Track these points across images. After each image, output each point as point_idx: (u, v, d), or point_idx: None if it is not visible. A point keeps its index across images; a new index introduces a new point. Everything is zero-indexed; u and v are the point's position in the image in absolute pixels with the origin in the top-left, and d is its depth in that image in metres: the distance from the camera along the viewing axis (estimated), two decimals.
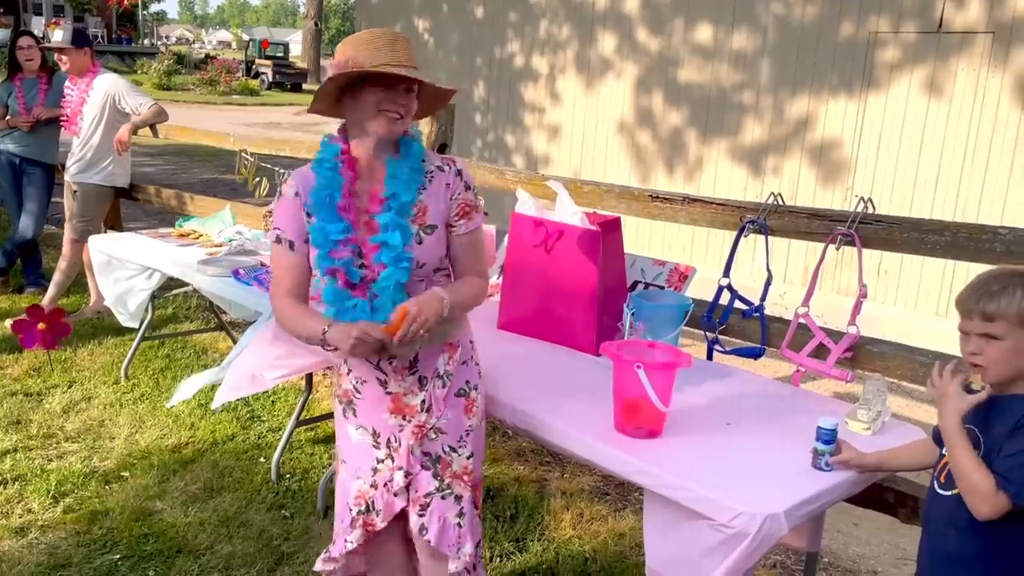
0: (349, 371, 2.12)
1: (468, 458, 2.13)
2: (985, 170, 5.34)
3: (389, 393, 2.08)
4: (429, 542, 2.12)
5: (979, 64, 5.30)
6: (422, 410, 2.07)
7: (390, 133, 1.94)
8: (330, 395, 4.27)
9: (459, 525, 2.13)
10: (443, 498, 2.11)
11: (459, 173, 2.03)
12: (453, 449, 2.11)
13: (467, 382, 2.14)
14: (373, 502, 2.13)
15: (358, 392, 2.12)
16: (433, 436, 2.10)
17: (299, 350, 2.96)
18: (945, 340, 2.30)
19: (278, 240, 2.04)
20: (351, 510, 2.15)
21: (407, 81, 1.91)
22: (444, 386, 2.09)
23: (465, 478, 2.13)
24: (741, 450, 2.03)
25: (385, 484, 2.11)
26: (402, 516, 2.16)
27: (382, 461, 2.12)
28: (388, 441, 2.11)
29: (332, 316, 1.95)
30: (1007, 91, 5.21)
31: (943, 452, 1.74)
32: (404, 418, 2.09)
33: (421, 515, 2.11)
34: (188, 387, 3.31)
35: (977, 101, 5.34)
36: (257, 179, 4.72)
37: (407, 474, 2.10)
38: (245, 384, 3.06)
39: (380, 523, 2.13)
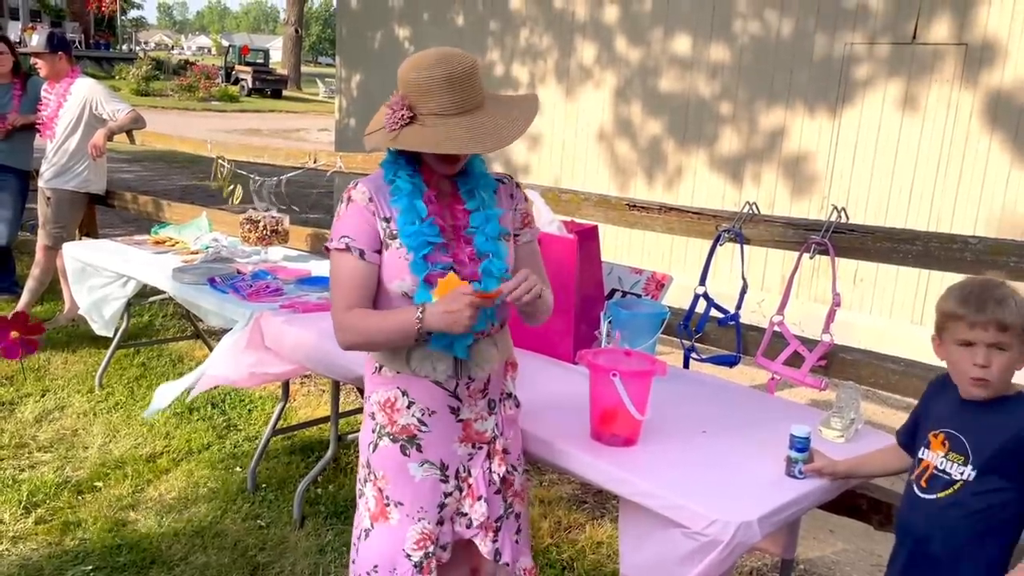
0: (411, 404, 1.93)
1: (523, 473, 2.13)
2: (958, 181, 5.42)
3: (461, 421, 1.95)
4: (507, 565, 2.05)
5: (952, 76, 5.38)
6: (499, 434, 2.01)
7: (450, 173, 1.90)
8: (307, 404, 4.25)
9: (517, 541, 2.08)
10: (507, 518, 2.04)
11: (517, 185, 2.07)
12: (515, 468, 2.07)
13: (517, 396, 2.13)
14: (438, 539, 1.97)
15: (424, 425, 1.94)
16: (501, 458, 2.04)
17: (270, 358, 2.95)
18: (920, 348, 2.33)
19: (347, 248, 1.86)
20: (410, 557, 1.94)
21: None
22: (517, 406, 2.08)
23: (522, 494, 2.10)
24: (716, 458, 2.05)
25: (451, 518, 1.99)
26: (466, 544, 2.06)
27: (449, 495, 1.97)
28: (457, 472, 1.97)
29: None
30: (979, 102, 5.29)
31: (920, 457, 1.75)
32: (474, 446, 1.98)
33: (495, 541, 2.01)
34: (163, 396, 3.27)
35: (950, 112, 5.41)
36: (231, 186, 4.70)
37: (487, 501, 1.99)
38: (214, 381, 3.07)
39: (446, 556, 2.00)
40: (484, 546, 2.00)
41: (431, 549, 1.95)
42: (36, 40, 4.93)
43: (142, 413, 3.85)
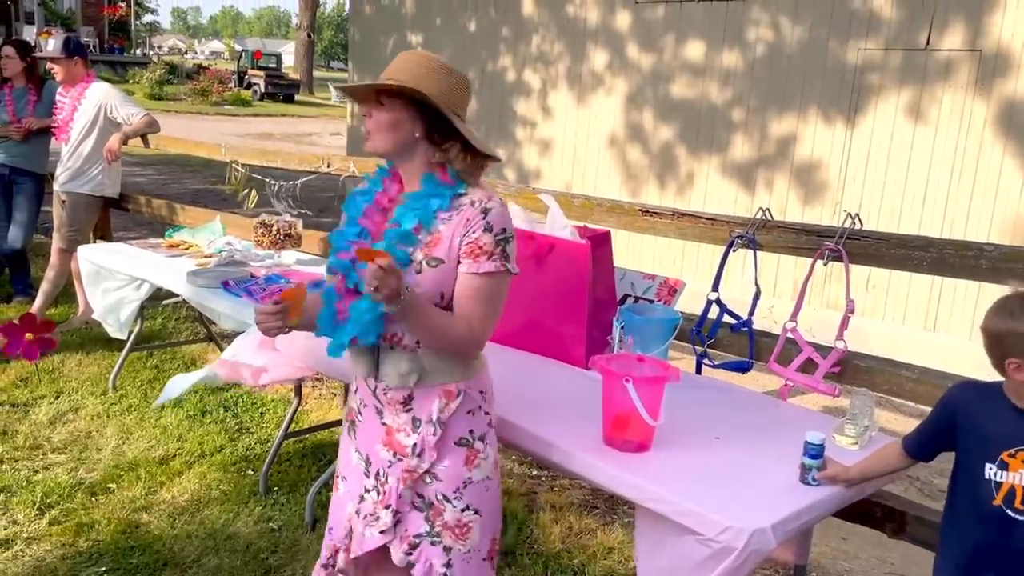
0: (356, 390, 2.05)
1: (463, 511, 1.95)
2: (972, 187, 5.40)
3: (384, 424, 1.98)
4: None
5: (965, 84, 5.36)
6: (414, 454, 1.94)
7: (371, 152, 1.92)
8: (319, 408, 4.26)
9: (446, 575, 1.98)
10: (432, 544, 1.97)
11: (485, 212, 1.85)
12: (447, 499, 1.95)
13: (471, 432, 1.96)
14: (352, 531, 2.04)
15: (360, 414, 2.04)
16: (428, 481, 1.95)
17: (282, 360, 2.96)
18: (932, 355, 2.33)
19: None
20: (336, 532, 2.09)
21: (367, 99, 1.89)
22: (435, 433, 1.92)
23: (458, 531, 1.95)
24: (729, 464, 2.04)
25: (365, 517, 2.00)
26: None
27: (368, 492, 2.02)
28: (377, 473, 2.00)
29: (321, 316, 1.91)
30: (993, 110, 5.27)
31: (997, 480, 1.70)
32: (395, 455, 1.97)
33: (409, 553, 1.97)
34: (174, 387, 3.28)
35: (964, 120, 5.40)
36: (246, 190, 4.73)
37: (396, 512, 1.96)
38: (225, 374, 3.08)
39: (353, 552, 2.02)
40: (396, 554, 1.98)
41: (347, 533, 2.06)
42: (52, 45, 4.97)
43: (153, 402, 3.84)
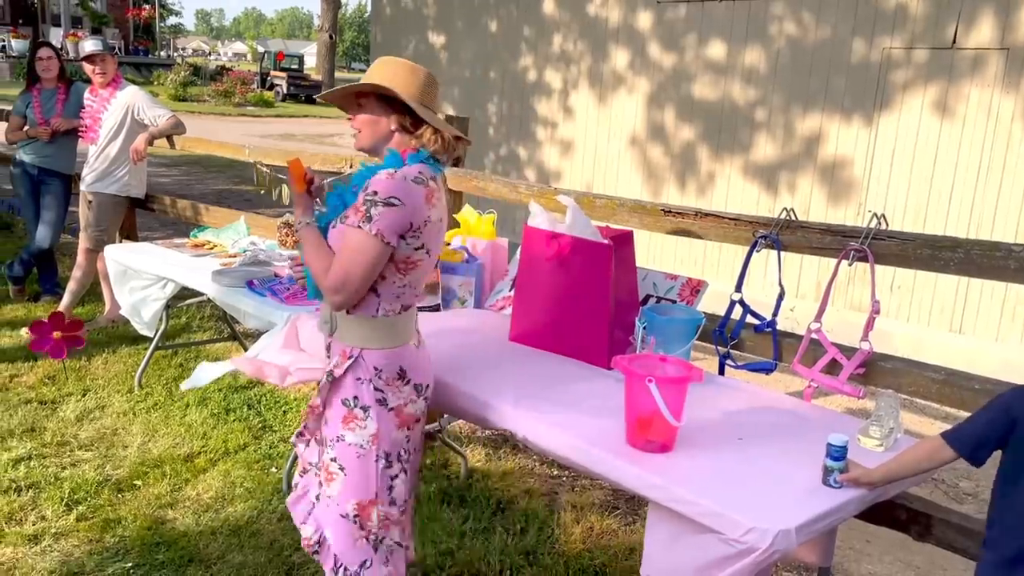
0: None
1: (332, 460, 2.20)
2: (999, 187, 5.33)
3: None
4: (299, 511, 2.33)
5: (992, 81, 5.30)
6: (319, 393, 2.22)
7: (358, 149, 2.21)
8: None
9: (314, 506, 2.28)
10: (315, 475, 2.29)
11: (379, 180, 2.07)
12: (327, 441, 2.23)
13: (355, 398, 2.17)
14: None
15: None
16: (324, 420, 2.24)
17: (306, 359, 2.98)
18: (957, 357, 2.30)
19: None
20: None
21: (347, 102, 2.21)
22: (328, 380, 2.18)
23: (325, 474, 2.22)
24: (753, 465, 2.03)
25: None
26: None
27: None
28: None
29: (310, 288, 2.25)
30: (1021, 108, 5.20)
31: None
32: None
33: (302, 475, 2.36)
34: (203, 374, 3.30)
35: (991, 118, 5.33)
36: (277, 188, 4.76)
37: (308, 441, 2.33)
38: (251, 371, 3.09)
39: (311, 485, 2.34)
40: (296, 477, 2.38)
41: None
42: (92, 44, 5.03)
43: (183, 385, 3.86)
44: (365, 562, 2.22)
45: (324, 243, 2.15)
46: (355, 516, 2.20)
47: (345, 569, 2.22)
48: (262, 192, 4.45)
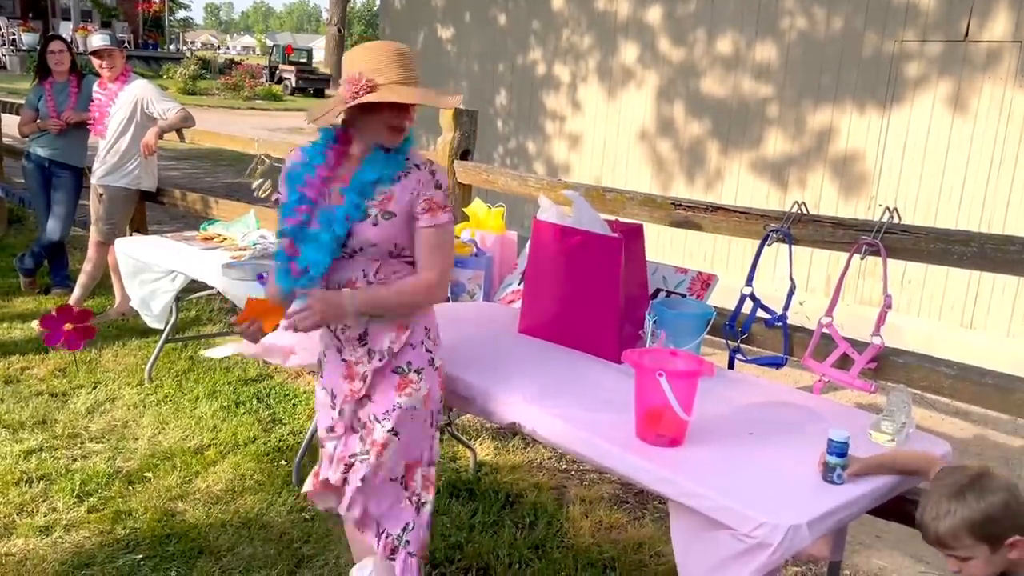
0: (322, 336, 2.36)
1: (390, 431, 2.22)
2: (1012, 181, 5.29)
3: (344, 360, 2.28)
4: (346, 499, 2.28)
5: (1006, 75, 5.25)
6: (360, 379, 2.24)
7: (395, 144, 2.17)
8: None
9: (361, 489, 2.26)
10: (362, 462, 2.26)
11: (433, 173, 2.18)
12: (377, 419, 2.23)
13: (408, 363, 2.24)
14: (324, 462, 2.38)
15: (325, 356, 2.36)
16: (365, 403, 2.26)
17: (308, 341, 2.98)
18: (969, 351, 2.29)
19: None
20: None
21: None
22: (381, 360, 2.22)
23: (379, 448, 2.22)
24: (763, 460, 2.03)
25: (335, 448, 2.33)
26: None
27: (336, 421, 2.34)
28: (341, 410, 2.31)
29: (278, 273, 2.24)
30: None
31: None
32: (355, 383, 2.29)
33: (345, 473, 2.29)
34: (224, 348, 3.35)
35: (1004, 112, 5.29)
36: (261, 180, 4.77)
37: (341, 438, 2.33)
38: (259, 351, 3.11)
39: (332, 478, 2.33)
40: (334, 475, 2.31)
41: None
42: (100, 39, 5.05)
43: (205, 353, 3.88)
44: (408, 525, 2.29)
45: (382, 289, 2.18)
46: (402, 478, 2.28)
47: (387, 535, 2.28)
48: (252, 182, 4.47)
